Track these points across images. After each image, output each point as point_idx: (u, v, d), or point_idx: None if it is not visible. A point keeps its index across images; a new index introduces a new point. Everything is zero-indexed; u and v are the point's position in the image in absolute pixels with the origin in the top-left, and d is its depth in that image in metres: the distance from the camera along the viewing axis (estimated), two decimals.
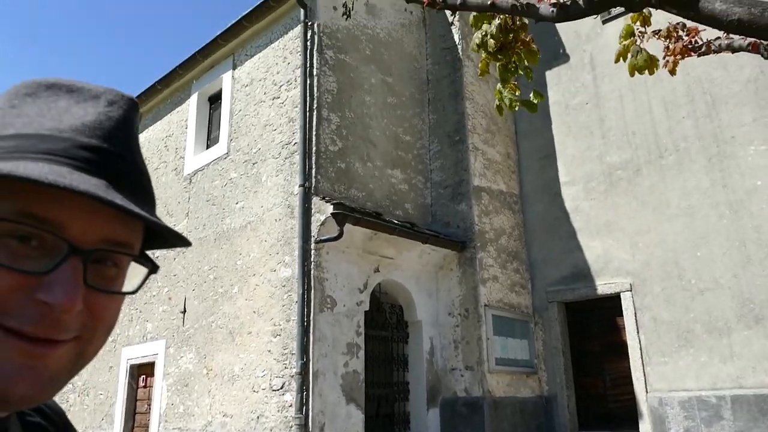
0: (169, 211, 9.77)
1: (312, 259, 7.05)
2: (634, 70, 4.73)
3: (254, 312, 7.51)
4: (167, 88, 10.59)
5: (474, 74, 9.58)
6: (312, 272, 7.00)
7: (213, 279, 8.37)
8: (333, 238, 6.93)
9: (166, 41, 46.98)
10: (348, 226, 6.99)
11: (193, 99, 10.08)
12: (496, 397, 8.03)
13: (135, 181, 0.59)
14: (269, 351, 7.11)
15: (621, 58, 4.90)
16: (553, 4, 2.74)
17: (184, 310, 8.70)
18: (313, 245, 7.09)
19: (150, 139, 11.03)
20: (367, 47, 8.92)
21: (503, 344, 8.34)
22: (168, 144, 10.47)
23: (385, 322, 8.18)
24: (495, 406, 7.91)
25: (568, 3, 2.71)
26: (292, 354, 6.77)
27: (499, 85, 4.56)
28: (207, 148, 9.72)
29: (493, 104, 4.49)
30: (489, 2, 2.88)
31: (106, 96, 0.61)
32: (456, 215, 8.84)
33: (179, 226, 9.38)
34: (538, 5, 2.80)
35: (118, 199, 0.53)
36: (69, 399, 10.55)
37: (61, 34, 44.68)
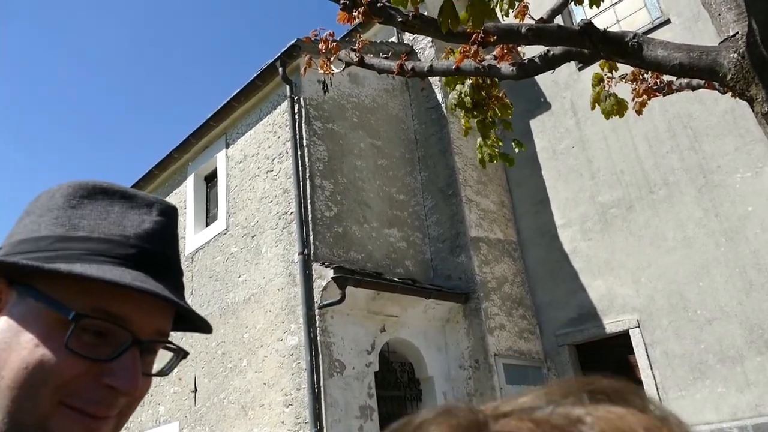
0: None
1: (317, 325, 7.10)
2: (607, 114, 4.95)
3: (264, 384, 7.49)
4: (164, 172, 10.89)
5: (460, 129, 9.87)
6: (318, 338, 7.03)
7: (221, 354, 8.38)
8: (336, 302, 7.00)
9: (161, 126, 48.29)
10: (350, 289, 7.08)
11: (190, 180, 10.36)
12: None
13: (180, 280, 0.71)
14: (282, 422, 7.06)
15: (596, 104, 5.13)
16: (512, 64, 2.94)
17: (195, 389, 8.67)
18: (317, 311, 7.15)
19: None
20: (353, 114, 9.24)
21: (517, 393, 8.24)
22: None
23: (397, 381, 8.13)
24: None
25: (526, 62, 2.91)
26: (306, 423, 6.73)
27: (479, 140, 4.76)
28: (206, 225, 9.92)
29: (479, 153, 4.69)
30: (454, 67, 3.08)
31: (158, 206, 0.70)
32: (457, 268, 8.92)
33: None
34: (499, 66, 3.00)
35: (182, 301, 0.64)
36: None
37: (56, 132, 45.97)
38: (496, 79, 4.12)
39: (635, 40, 2.50)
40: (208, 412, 8.30)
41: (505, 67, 2.99)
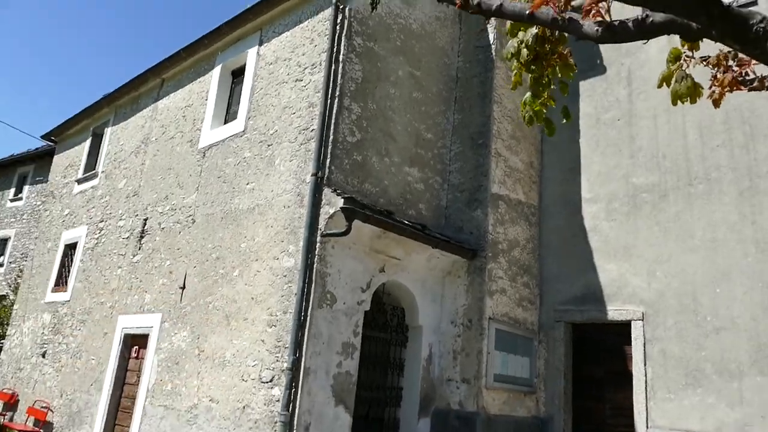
0: (180, 183, 9.59)
1: (316, 252, 6.83)
2: (677, 98, 4.38)
3: (252, 298, 7.32)
4: (191, 57, 10.37)
5: (505, 77, 9.24)
6: (315, 265, 6.77)
7: (215, 259, 8.19)
8: (340, 233, 6.69)
9: (191, 11, 46.91)
10: (357, 223, 6.75)
11: (216, 71, 9.86)
12: (491, 414, 7.77)
13: None
14: (263, 341, 6.92)
15: (665, 83, 4.55)
16: (599, 23, 2.45)
17: (183, 287, 8.54)
18: (318, 238, 6.86)
19: (169, 107, 10.84)
20: (398, 37, 8.62)
21: (504, 360, 8.07)
22: (186, 114, 10.27)
23: (386, 323, 7.95)
24: (488, 423, 7.65)
25: (616, 23, 2.42)
26: (286, 347, 6.57)
27: (527, 95, 4.25)
28: (224, 123, 9.50)
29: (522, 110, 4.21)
30: (528, 12, 2.59)
31: None
32: (470, 221, 8.56)
33: (189, 200, 9.20)
34: (581, 22, 2.51)
35: None
36: (61, 359, 10.49)
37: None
38: (565, 35, 3.60)
39: (763, 24, 2.01)
40: (192, 311, 8.19)
41: (589, 24, 2.50)
